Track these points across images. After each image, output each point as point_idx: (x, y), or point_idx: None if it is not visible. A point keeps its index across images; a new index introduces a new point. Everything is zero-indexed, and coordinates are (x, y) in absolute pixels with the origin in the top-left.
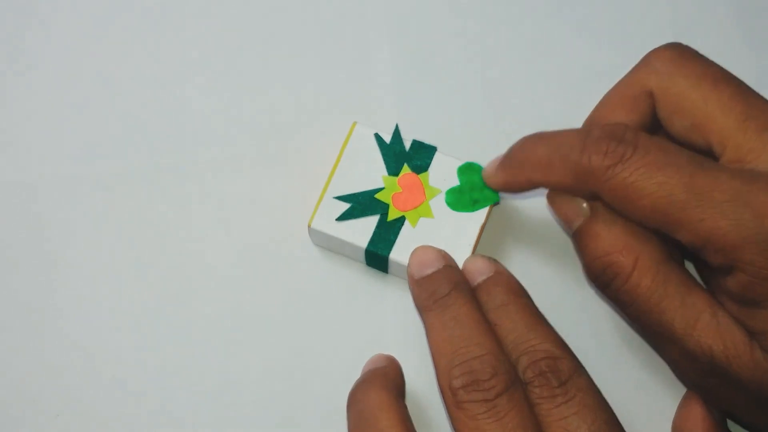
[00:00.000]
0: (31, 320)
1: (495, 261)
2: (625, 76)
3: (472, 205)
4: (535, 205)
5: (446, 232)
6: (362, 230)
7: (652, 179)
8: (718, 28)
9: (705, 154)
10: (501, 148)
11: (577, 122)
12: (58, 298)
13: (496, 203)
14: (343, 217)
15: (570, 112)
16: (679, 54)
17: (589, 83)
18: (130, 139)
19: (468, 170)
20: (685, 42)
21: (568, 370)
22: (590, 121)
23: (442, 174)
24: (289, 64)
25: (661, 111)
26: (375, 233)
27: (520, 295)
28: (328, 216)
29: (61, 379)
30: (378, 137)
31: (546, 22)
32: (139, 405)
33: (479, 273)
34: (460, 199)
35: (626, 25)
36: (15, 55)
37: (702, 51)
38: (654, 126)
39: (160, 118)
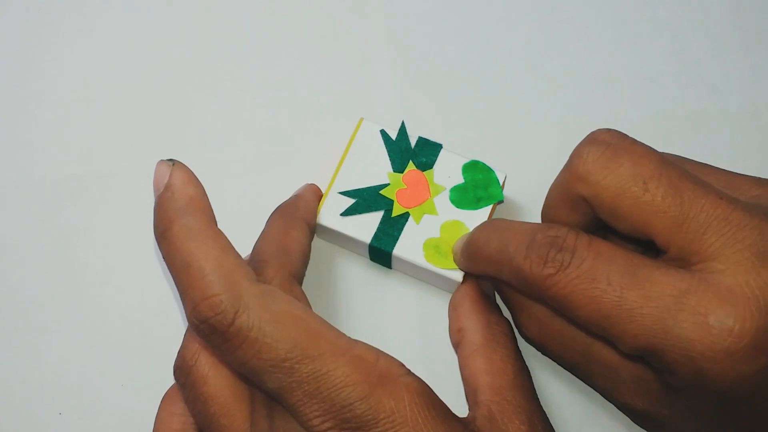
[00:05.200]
0: (34, 319)
1: None
2: (558, 178)
3: (476, 203)
4: (538, 204)
5: None
6: (366, 226)
7: (586, 293)
8: (715, 28)
9: (653, 246)
10: (506, 146)
11: (577, 120)
12: (61, 296)
13: (500, 202)
14: (347, 213)
15: (571, 110)
16: (603, 153)
17: (589, 82)
18: (132, 139)
19: (473, 168)
20: (681, 41)
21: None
22: (543, 215)
23: (447, 171)
24: (296, 61)
25: (600, 214)
26: (379, 229)
27: None
28: (332, 211)
29: (63, 376)
30: (384, 134)
31: (548, 21)
32: (141, 402)
33: None
34: (465, 196)
35: (626, 25)
36: (17, 56)
37: (699, 50)
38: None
39: (165, 116)
